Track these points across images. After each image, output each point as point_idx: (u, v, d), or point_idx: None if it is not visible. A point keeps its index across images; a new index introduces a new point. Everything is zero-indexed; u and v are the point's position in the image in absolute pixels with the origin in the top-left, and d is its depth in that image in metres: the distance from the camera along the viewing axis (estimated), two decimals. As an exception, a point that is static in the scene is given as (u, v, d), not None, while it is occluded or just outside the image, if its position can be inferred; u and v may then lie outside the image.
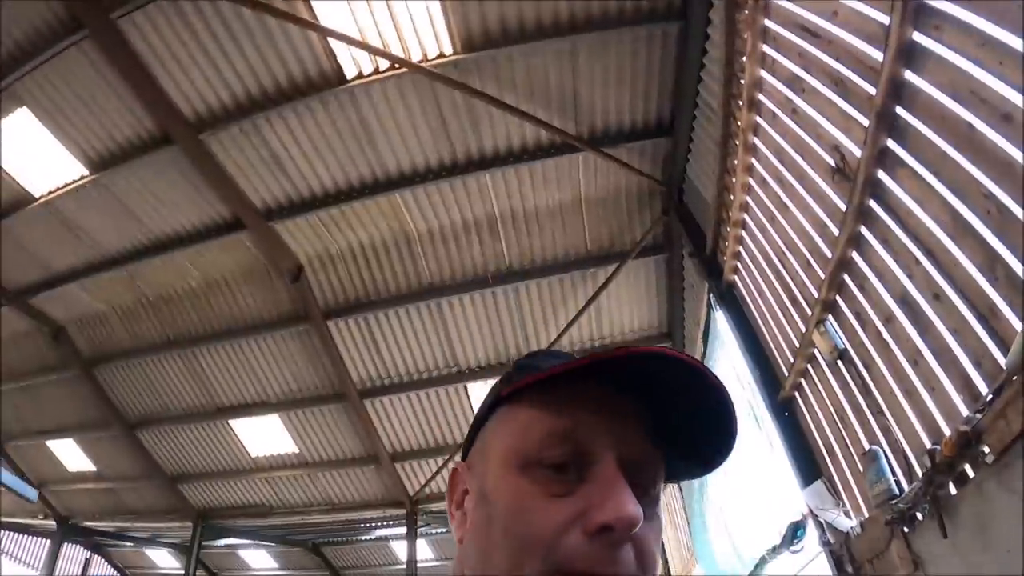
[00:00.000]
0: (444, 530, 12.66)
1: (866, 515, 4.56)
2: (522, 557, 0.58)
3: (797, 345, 5.17)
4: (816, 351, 5.04)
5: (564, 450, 0.62)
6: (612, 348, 0.65)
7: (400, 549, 12.91)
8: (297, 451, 10.57)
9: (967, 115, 3.05)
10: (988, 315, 3.13)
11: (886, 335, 4.14)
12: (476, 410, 0.78)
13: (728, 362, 6.46)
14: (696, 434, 0.68)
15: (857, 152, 3.94)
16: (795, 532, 6.05)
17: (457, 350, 9.22)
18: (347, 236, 7.98)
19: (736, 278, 6.25)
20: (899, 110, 3.57)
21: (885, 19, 3.41)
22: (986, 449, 3.15)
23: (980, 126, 2.96)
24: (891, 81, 3.50)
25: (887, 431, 4.28)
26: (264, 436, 10.37)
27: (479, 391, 9.56)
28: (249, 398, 9.78)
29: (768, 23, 4.76)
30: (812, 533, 5.58)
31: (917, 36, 3.31)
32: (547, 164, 7.23)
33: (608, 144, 6.92)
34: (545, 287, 8.47)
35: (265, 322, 8.86)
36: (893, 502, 4.08)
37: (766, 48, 4.90)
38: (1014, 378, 2.91)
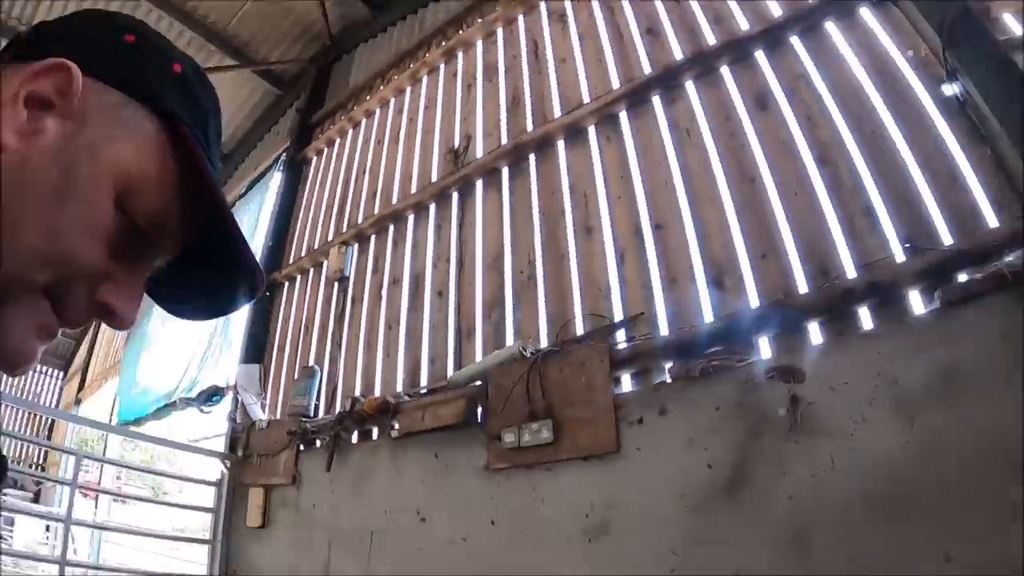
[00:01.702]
0: None
1: (278, 417, 4.74)
2: (53, 255, 0.50)
3: (315, 246, 5.45)
4: (326, 262, 5.08)
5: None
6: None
7: None
8: None
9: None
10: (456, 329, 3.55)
11: (384, 291, 4.31)
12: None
13: (252, 216, 6.35)
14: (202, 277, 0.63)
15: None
16: (212, 396, 5.96)
17: None
18: None
19: (314, 158, 6.25)
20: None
21: None
22: (396, 425, 3.54)
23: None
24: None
25: (334, 361, 4.49)
26: None
27: None
28: None
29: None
30: (226, 406, 5.57)
31: None
32: None
33: None
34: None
35: None
36: (304, 419, 4.30)
37: None
38: (446, 386, 3.33)
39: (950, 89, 2.53)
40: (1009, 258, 2.20)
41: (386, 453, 3.61)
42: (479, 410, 3.18)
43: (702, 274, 2.81)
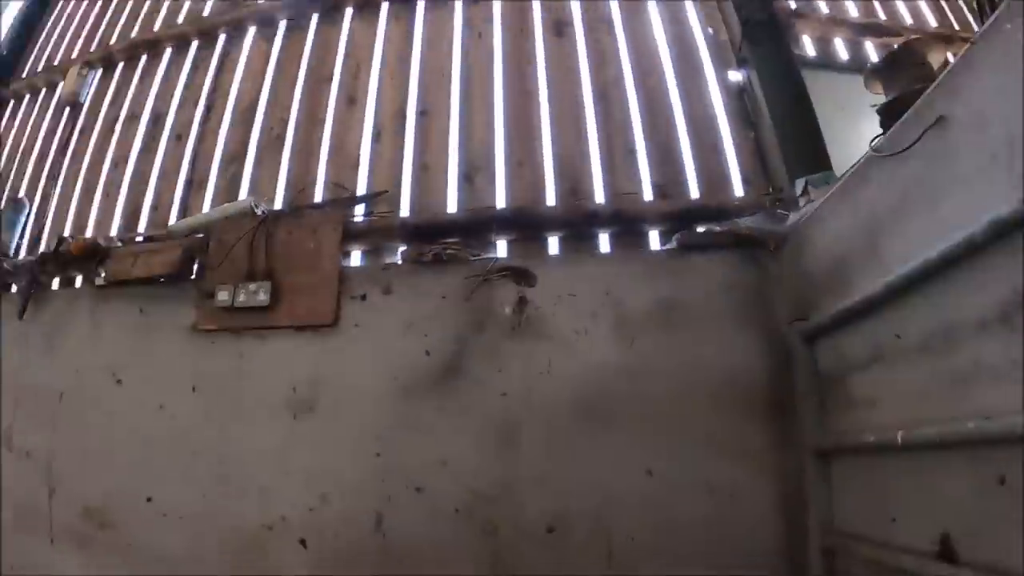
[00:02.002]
0: None
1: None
2: None
3: (56, 62, 4.42)
4: (61, 83, 4.12)
5: None
6: None
7: None
8: None
9: None
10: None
11: (119, 126, 3.64)
12: None
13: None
14: None
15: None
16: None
17: None
18: None
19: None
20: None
21: None
22: (103, 273, 2.94)
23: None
24: None
25: (47, 198, 3.65)
26: None
27: None
28: None
29: None
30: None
31: None
32: None
33: None
34: None
35: None
36: (1, 258, 3.49)
37: None
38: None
39: (736, 75, 2.79)
40: (746, 221, 2.40)
41: (87, 304, 2.99)
42: (195, 264, 2.69)
43: (456, 167, 2.72)
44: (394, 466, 2.28)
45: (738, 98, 2.74)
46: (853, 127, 2.36)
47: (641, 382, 2.29)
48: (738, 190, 2.59)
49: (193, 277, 2.69)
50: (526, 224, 2.48)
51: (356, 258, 2.57)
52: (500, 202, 2.58)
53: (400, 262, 2.43)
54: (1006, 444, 1.32)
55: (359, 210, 2.59)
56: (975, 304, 1.41)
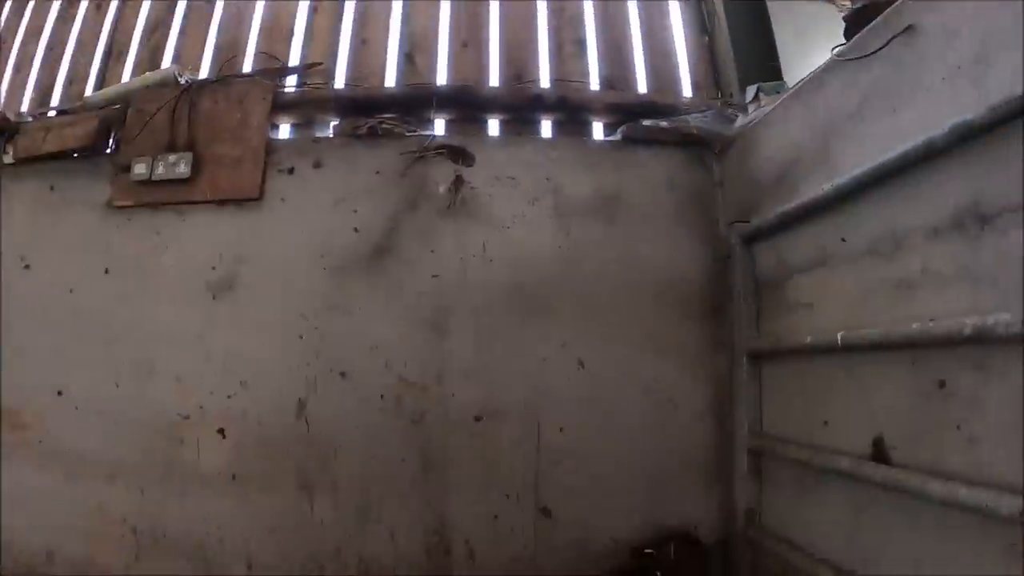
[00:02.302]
0: None
1: None
2: None
3: None
4: None
5: None
6: None
7: None
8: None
9: None
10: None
11: None
12: None
13: None
14: None
15: None
16: None
17: None
18: None
19: None
20: None
21: None
22: (11, 151, 2.67)
23: None
24: None
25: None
26: None
27: None
28: None
29: None
30: None
31: None
32: None
33: None
34: None
35: None
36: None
37: None
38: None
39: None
40: (695, 120, 2.32)
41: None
42: (112, 137, 2.45)
43: (396, 44, 2.53)
44: (319, 350, 2.13)
45: (696, 5, 2.67)
46: (806, 56, 2.33)
47: (578, 273, 2.18)
48: (688, 93, 2.54)
49: (109, 151, 2.45)
50: (467, 103, 2.33)
51: (285, 131, 2.36)
52: (441, 79, 2.44)
53: (332, 136, 2.24)
54: (948, 347, 1.31)
55: (291, 81, 2.37)
56: (928, 210, 1.39)
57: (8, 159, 2.71)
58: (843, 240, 1.67)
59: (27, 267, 2.51)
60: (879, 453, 1.55)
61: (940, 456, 1.36)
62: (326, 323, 2.13)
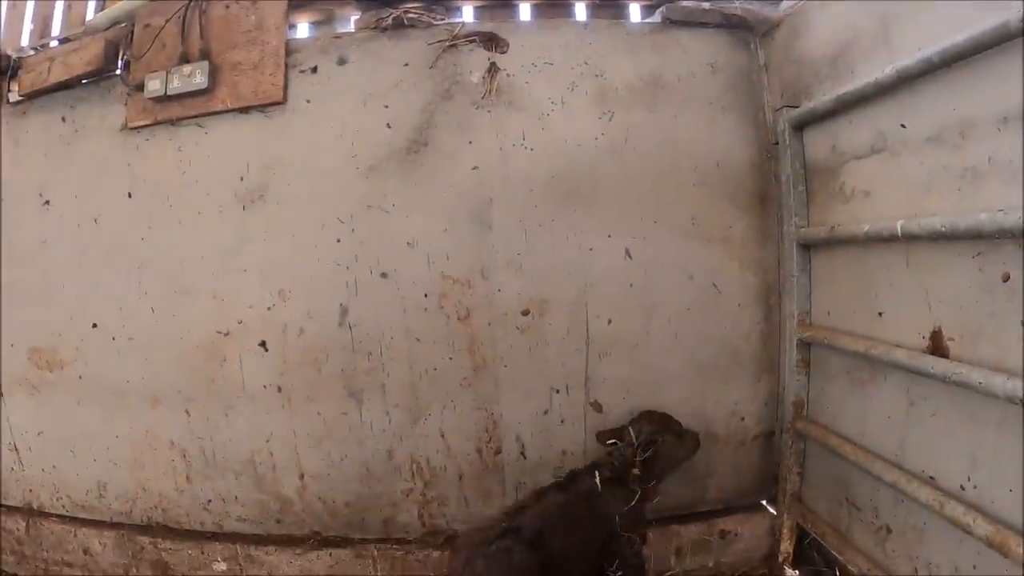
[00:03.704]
0: None
1: None
2: None
3: None
4: None
5: None
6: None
7: None
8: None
9: None
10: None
11: None
12: None
13: None
14: None
15: None
16: None
17: None
18: None
19: None
20: None
21: None
22: (16, 88, 2.58)
23: None
24: None
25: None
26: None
27: None
28: None
29: None
30: None
31: None
32: None
33: None
34: None
35: None
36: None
37: None
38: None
39: None
40: (735, 2, 2.19)
41: (2, 127, 2.64)
42: (121, 57, 2.36)
43: None
44: (357, 252, 2.08)
45: None
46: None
47: (621, 161, 2.11)
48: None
49: (119, 72, 2.36)
50: (495, -15, 2.18)
51: (304, 30, 2.26)
52: (467, -37, 2.27)
53: (355, 30, 2.14)
54: (1016, 239, 1.24)
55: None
56: (998, 98, 1.30)
57: (14, 97, 2.62)
58: (903, 126, 1.60)
59: (47, 203, 2.44)
60: (937, 346, 1.51)
61: (1002, 351, 1.32)
62: (363, 224, 2.07)
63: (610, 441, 1.92)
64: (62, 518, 2.50)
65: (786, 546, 2.28)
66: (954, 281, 1.45)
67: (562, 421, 2.16)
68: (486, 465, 2.16)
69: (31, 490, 2.55)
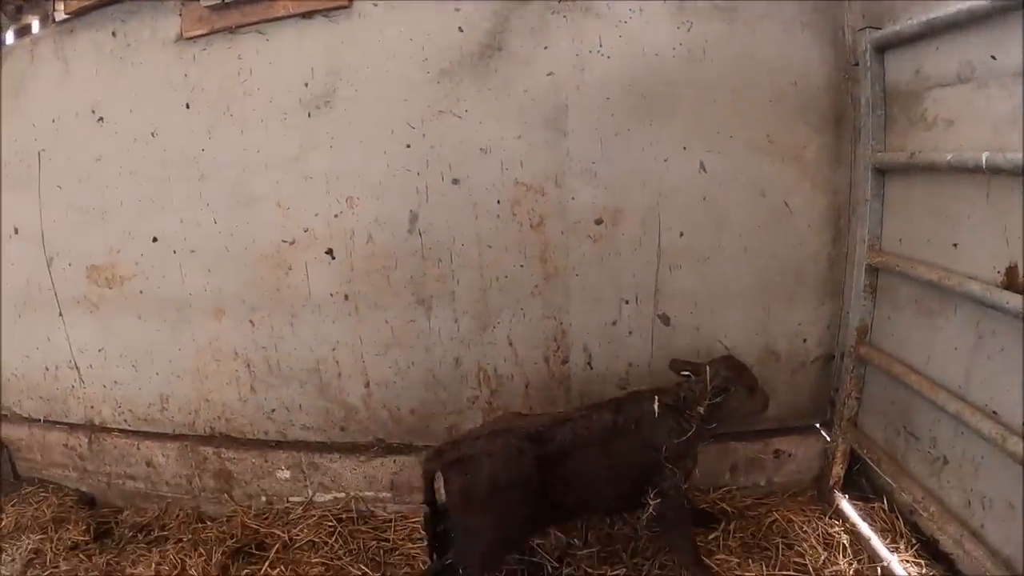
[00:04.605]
0: None
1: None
2: None
3: None
4: None
5: None
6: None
7: None
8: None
9: None
10: None
11: None
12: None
13: None
14: None
15: None
16: None
17: None
18: None
19: None
20: None
21: None
22: (61, 6, 2.53)
23: None
24: None
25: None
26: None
27: None
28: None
29: None
30: None
31: None
32: None
33: None
34: None
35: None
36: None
37: None
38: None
39: None
40: None
41: (50, 47, 2.58)
42: (175, -37, 2.29)
43: None
44: (428, 158, 2.06)
45: None
46: None
47: (698, 72, 2.06)
48: None
49: (173, -20, 2.30)
50: None
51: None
52: None
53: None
54: None
55: None
56: None
57: (60, 15, 2.57)
58: (993, 58, 1.54)
59: (101, 120, 2.41)
60: (1012, 282, 1.49)
61: None
62: (434, 130, 2.04)
63: (683, 372, 1.88)
64: (124, 432, 2.55)
65: (837, 470, 2.31)
66: (1035, 218, 1.42)
67: (630, 333, 2.16)
68: (552, 374, 2.17)
69: (92, 406, 2.59)
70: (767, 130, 2.10)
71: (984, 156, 1.48)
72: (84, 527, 2.42)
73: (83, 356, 2.55)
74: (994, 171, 1.48)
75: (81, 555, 2.30)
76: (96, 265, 2.45)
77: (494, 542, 1.74)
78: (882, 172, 2.00)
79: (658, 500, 1.80)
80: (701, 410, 1.82)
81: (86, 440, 2.60)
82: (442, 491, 1.70)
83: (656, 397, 1.84)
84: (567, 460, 1.73)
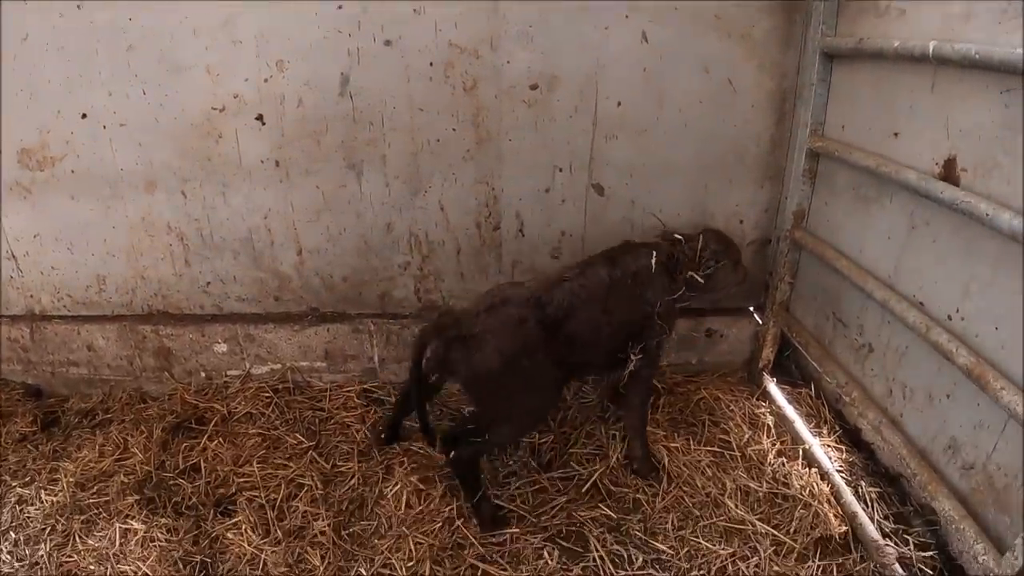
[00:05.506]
0: None
1: None
2: None
3: None
4: None
5: None
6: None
7: None
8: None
9: None
10: None
11: None
12: None
13: None
14: None
15: None
16: None
17: None
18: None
19: None
20: None
21: None
22: None
23: None
24: None
25: None
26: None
27: None
28: None
29: None
30: None
31: None
32: None
33: None
34: None
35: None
36: None
37: None
38: None
39: None
40: None
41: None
42: None
43: None
44: (360, 19, 2.01)
45: None
46: None
47: None
48: None
49: None
50: None
51: None
52: None
53: None
54: None
55: None
56: None
57: None
58: None
59: (28, -7, 2.32)
60: (949, 174, 1.50)
61: (1012, 189, 1.31)
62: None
63: (676, 235, 1.90)
64: (64, 318, 2.53)
65: (767, 353, 2.37)
66: (977, 113, 1.42)
67: (563, 201, 2.17)
68: (484, 240, 2.17)
69: (32, 295, 2.56)
70: (716, 5, 2.07)
71: (932, 45, 1.47)
72: (31, 419, 2.42)
73: (19, 244, 2.50)
74: (941, 61, 1.47)
75: (29, 445, 2.31)
76: (27, 148, 2.38)
77: (520, 415, 1.76)
78: (830, 57, 1.98)
79: (640, 356, 1.83)
80: (692, 276, 1.85)
81: (28, 331, 2.57)
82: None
83: (653, 252, 1.84)
84: (569, 320, 1.74)
